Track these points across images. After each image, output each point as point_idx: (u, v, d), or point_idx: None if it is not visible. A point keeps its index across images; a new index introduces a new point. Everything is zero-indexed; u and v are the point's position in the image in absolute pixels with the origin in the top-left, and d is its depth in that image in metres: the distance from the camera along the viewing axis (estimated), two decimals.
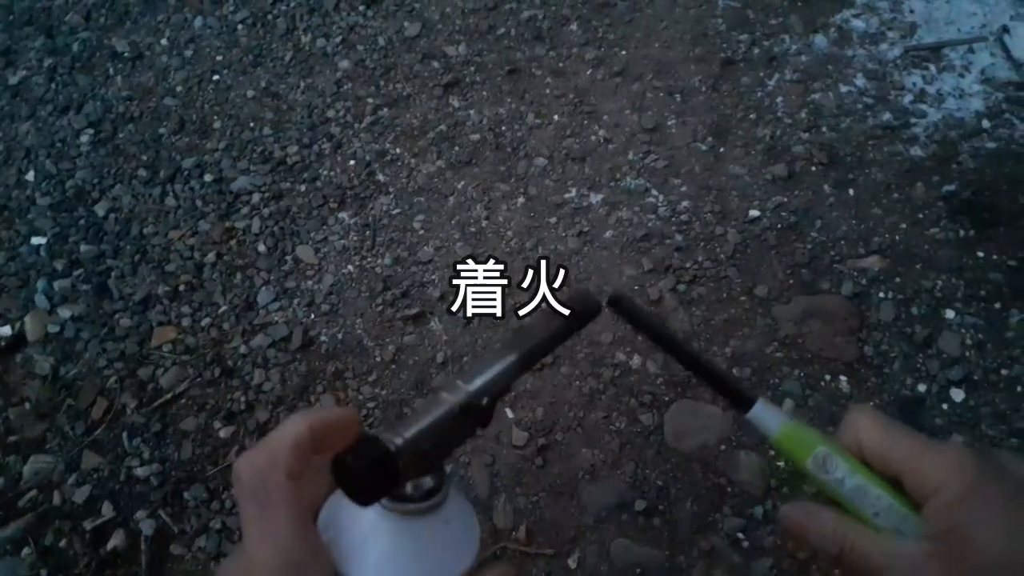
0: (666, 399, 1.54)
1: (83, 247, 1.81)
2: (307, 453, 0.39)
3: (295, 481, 0.38)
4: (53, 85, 2.11)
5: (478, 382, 0.40)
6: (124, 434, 1.57)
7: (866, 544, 0.42)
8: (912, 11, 2.04)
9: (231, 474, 0.39)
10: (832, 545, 0.43)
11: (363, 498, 0.37)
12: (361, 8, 2.18)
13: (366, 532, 0.38)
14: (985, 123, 1.84)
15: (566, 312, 0.45)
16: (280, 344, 1.66)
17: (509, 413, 1.54)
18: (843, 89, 1.92)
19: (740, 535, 1.40)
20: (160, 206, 1.87)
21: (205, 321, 1.70)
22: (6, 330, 1.70)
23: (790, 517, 0.45)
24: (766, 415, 0.46)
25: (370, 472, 0.36)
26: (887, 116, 1.86)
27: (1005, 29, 1.98)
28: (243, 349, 1.66)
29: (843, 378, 1.53)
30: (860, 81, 1.93)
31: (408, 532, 0.38)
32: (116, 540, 1.45)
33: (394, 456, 0.36)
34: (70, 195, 1.90)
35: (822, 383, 1.54)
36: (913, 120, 1.85)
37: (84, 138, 2.00)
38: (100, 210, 1.87)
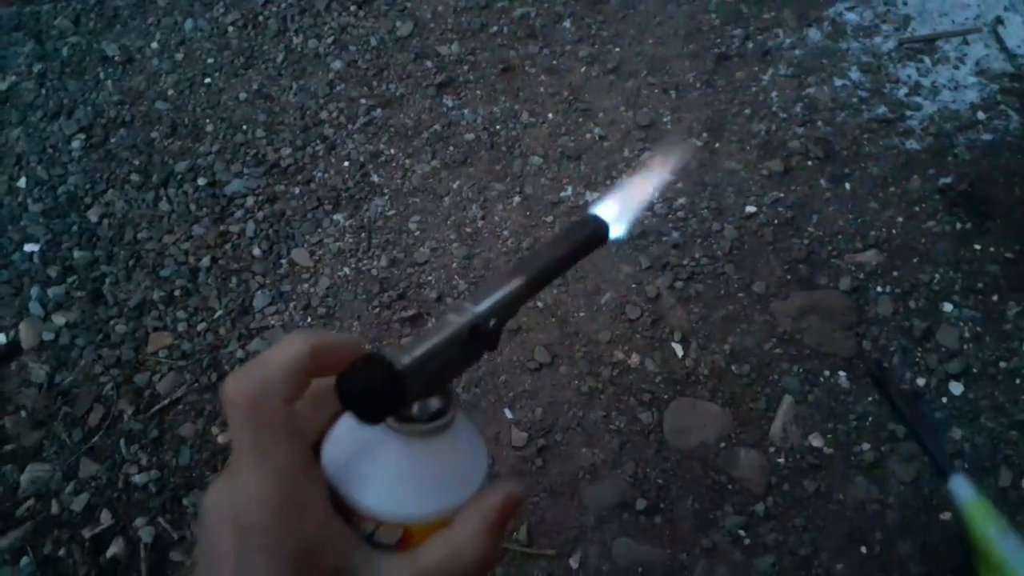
0: (665, 397, 1.53)
1: (77, 253, 1.80)
2: (306, 376, 0.36)
3: (292, 406, 0.36)
4: (43, 91, 2.10)
5: (485, 304, 0.39)
6: (121, 441, 1.56)
7: None
8: (906, 3, 2.03)
9: (220, 394, 0.36)
10: None
11: (370, 416, 0.36)
12: (352, 8, 2.17)
13: (373, 455, 0.38)
14: (980, 115, 1.83)
15: (578, 234, 0.44)
16: None
17: (508, 414, 1.54)
18: (838, 83, 1.91)
19: (741, 532, 1.40)
20: (153, 211, 1.86)
21: (201, 326, 1.69)
22: (0, 338, 1.69)
23: None
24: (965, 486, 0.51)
25: (377, 389, 0.35)
26: (882, 109, 1.86)
27: (999, 20, 1.98)
28: (240, 354, 1.65)
29: (842, 373, 1.53)
30: (855, 74, 1.93)
31: (415, 453, 0.38)
32: (116, 548, 1.44)
33: (401, 374, 0.35)
34: (62, 201, 1.89)
35: (821, 379, 1.53)
36: (908, 113, 1.85)
37: (75, 143, 1.99)
38: (93, 216, 1.86)
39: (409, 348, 0.36)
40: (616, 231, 0.46)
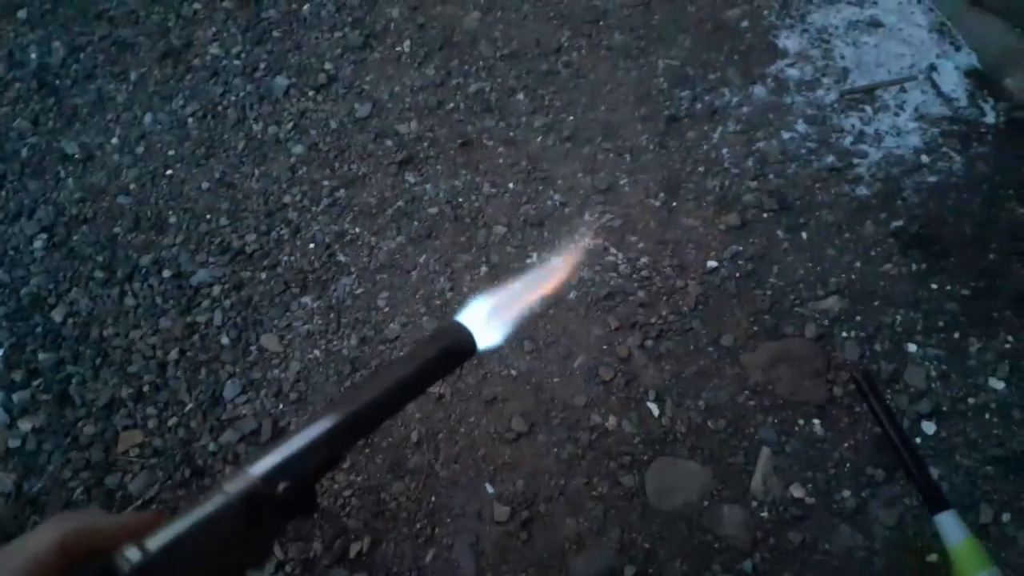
0: (645, 458, 1.53)
1: (41, 355, 1.78)
2: (51, 571, 0.31)
3: None
4: (3, 192, 2.09)
5: (267, 464, 0.32)
6: None
7: None
8: (843, 56, 2.12)
9: None
10: None
11: None
12: (311, 93, 2.21)
13: None
14: (924, 158, 1.90)
15: (429, 349, 0.36)
16: (250, 438, 1.63)
17: (489, 488, 1.52)
18: (786, 136, 1.98)
19: None
20: (119, 306, 1.85)
21: (172, 421, 1.66)
22: None
23: None
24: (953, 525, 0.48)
25: None
26: (831, 159, 1.92)
27: (933, 67, 2.07)
28: (212, 447, 1.62)
29: (816, 421, 1.54)
30: (801, 127, 1.99)
31: None
32: None
33: None
34: (25, 303, 1.87)
35: (796, 428, 1.54)
36: (856, 160, 1.91)
37: (37, 243, 1.98)
38: (57, 316, 1.84)
39: (146, 541, 0.29)
40: (486, 339, 0.38)
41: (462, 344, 0.37)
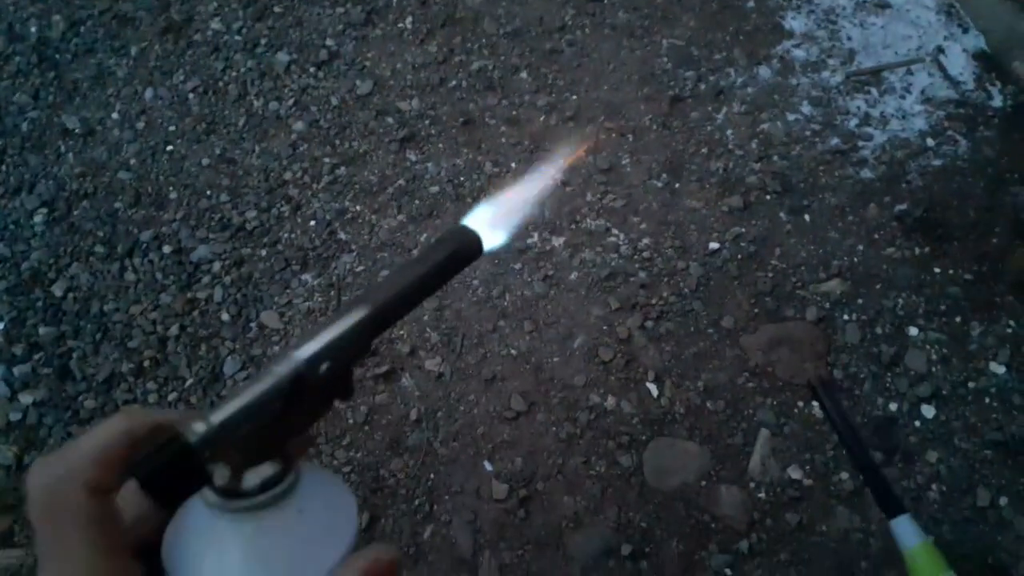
0: (643, 438, 1.53)
1: (42, 329, 1.78)
2: (120, 461, 0.32)
3: (102, 496, 0.31)
4: (3, 167, 2.09)
5: (311, 348, 0.34)
6: None
7: None
8: (850, 38, 2.10)
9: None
10: None
11: (167, 500, 0.32)
12: (312, 69, 2.19)
13: (206, 541, 0.33)
14: (929, 141, 1.89)
15: (439, 252, 0.39)
16: None
17: (488, 466, 1.52)
18: (791, 117, 1.96)
19: (728, 571, 1.39)
20: (119, 282, 1.85)
21: (172, 396, 1.67)
22: None
23: None
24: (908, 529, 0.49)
25: (166, 470, 0.31)
26: (835, 141, 1.91)
27: (940, 49, 2.05)
28: None
29: (815, 404, 1.54)
30: (806, 108, 1.98)
31: (251, 532, 0.33)
32: None
33: (193, 449, 0.31)
34: (26, 277, 1.87)
35: (795, 410, 1.54)
36: (861, 143, 1.90)
37: (38, 218, 1.97)
38: (58, 290, 1.84)
39: (210, 416, 0.32)
40: (492, 241, 0.41)
41: (469, 246, 0.40)
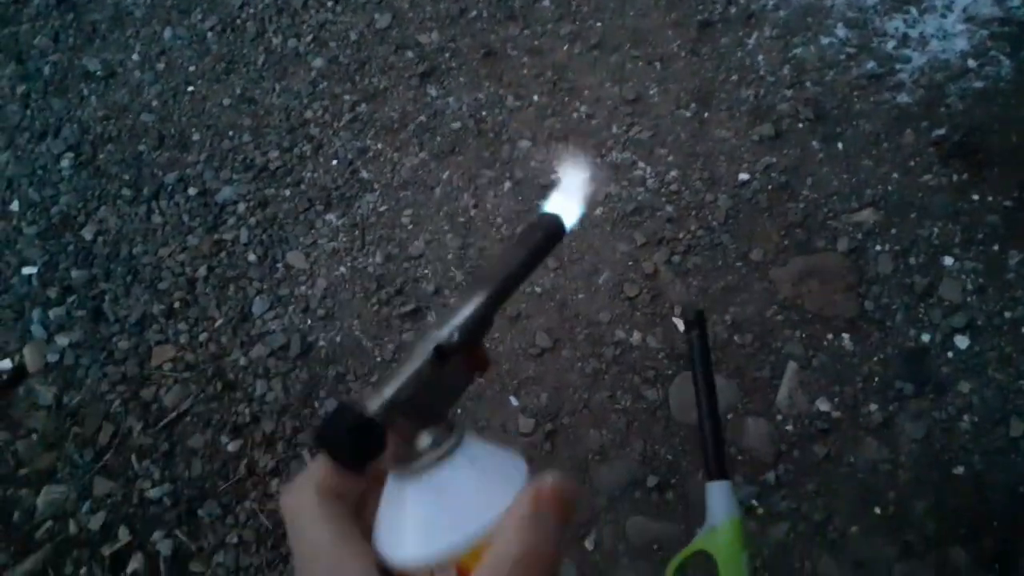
0: (669, 373, 1.53)
1: (74, 273, 1.81)
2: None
3: (335, 498, 0.37)
4: (28, 111, 2.09)
5: (448, 327, 0.40)
6: (133, 457, 1.57)
7: None
8: None
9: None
10: None
11: (353, 465, 0.37)
12: (330, 4, 2.15)
13: (396, 506, 0.38)
14: (971, 63, 1.80)
15: (534, 236, 0.45)
16: (279, 352, 1.65)
17: (514, 401, 1.54)
18: (824, 41, 1.88)
19: (754, 502, 1.40)
20: (147, 224, 1.86)
21: (202, 336, 1.69)
22: (6, 363, 1.70)
23: None
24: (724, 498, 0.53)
25: (348, 436, 0.36)
26: (871, 64, 1.83)
27: None
28: (243, 361, 1.65)
29: (845, 336, 1.52)
30: (841, 31, 1.89)
31: (430, 487, 0.37)
32: (135, 564, 1.46)
33: (370, 417, 0.36)
34: (56, 222, 1.89)
35: (825, 342, 1.52)
36: (898, 66, 1.82)
37: (64, 163, 1.99)
38: (88, 234, 1.86)
39: (379, 390, 0.37)
40: (570, 220, 0.47)
41: (557, 229, 0.46)
